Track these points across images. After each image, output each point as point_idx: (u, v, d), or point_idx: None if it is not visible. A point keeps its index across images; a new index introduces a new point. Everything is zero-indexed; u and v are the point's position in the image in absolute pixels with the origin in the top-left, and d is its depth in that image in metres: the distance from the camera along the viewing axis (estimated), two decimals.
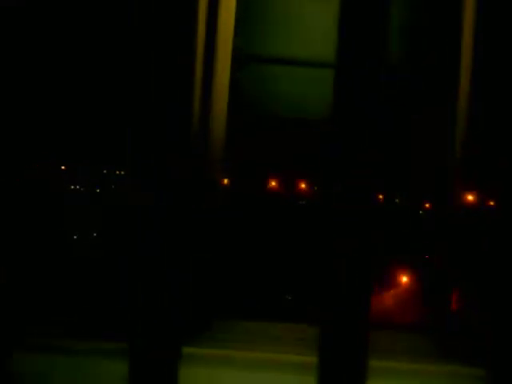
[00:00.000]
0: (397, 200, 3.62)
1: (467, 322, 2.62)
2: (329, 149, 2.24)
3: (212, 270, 2.45)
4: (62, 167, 3.39)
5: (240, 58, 2.51)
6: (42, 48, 2.65)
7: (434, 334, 2.51)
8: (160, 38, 2.22)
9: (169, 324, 2.13)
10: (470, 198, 3.17)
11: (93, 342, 2.28)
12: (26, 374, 2.30)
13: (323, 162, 2.38)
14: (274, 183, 3.41)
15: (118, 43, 2.67)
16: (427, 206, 3.27)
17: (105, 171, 3.60)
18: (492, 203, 3.34)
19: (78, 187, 3.58)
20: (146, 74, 2.27)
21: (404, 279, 3.58)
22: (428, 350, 2.48)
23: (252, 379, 2.31)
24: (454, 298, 2.65)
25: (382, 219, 2.32)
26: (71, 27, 2.67)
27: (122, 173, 3.48)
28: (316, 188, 3.43)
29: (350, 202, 2.24)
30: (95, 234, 3.45)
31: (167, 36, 2.19)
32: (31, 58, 2.62)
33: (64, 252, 3.17)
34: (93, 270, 2.94)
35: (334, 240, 2.19)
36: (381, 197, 3.48)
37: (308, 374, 2.25)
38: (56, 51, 2.68)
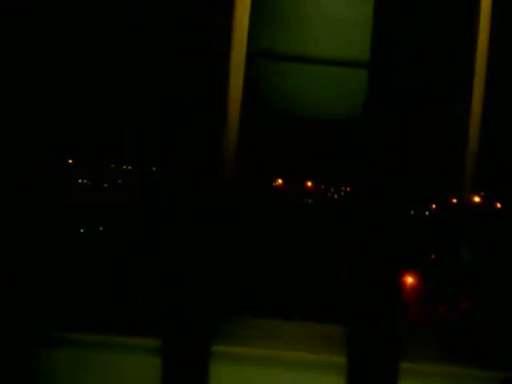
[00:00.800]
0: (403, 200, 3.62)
1: (472, 322, 2.62)
2: (339, 150, 2.24)
3: (225, 269, 2.45)
4: (70, 161, 3.38)
5: (254, 56, 2.50)
6: (45, 47, 2.65)
7: (439, 335, 2.51)
8: (161, 37, 2.23)
9: (200, 322, 2.14)
10: (477, 199, 3.17)
11: (123, 338, 2.29)
12: (57, 368, 2.31)
13: (332, 162, 2.38)
14: (282, 181, 3.41)
15: (120, 42, 2.67)
16: (433, 206, 3.27)
17: (113, 165, 3.60)
18: (498, 205, 3.34)
19: (84, 181, 3.58)
20: (148, 74, 2.27)
21: (409, 280, 3.58)
22: (432, 352, 2.47)
23: (270, 376, 2.31)
24: (458, 298, 2.65)
25: (386, 219, 2.31)
26: (73, 26, 2.66)
27: (130, 167, 3.48)
28: (323, 187, 3.43)
29: (358, 201, 2.24)
30: (102, 230, 3.44)
31: (170, 35, 2.20)
32: (36, 58, 2.62)
33: (69, 250, 3.16)
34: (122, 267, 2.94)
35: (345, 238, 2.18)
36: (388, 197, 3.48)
37: (326, 373, 2.26)
38: (59, 50, 2.67)
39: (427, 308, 3.26)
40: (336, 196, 3.38)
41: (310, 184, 3.47)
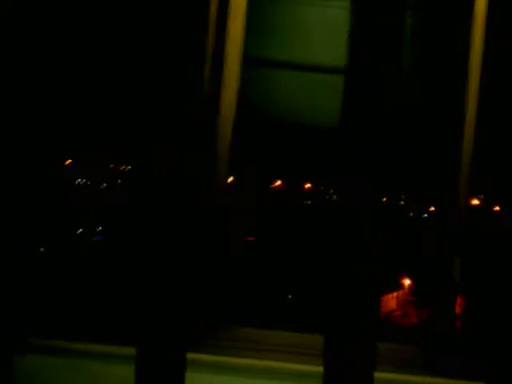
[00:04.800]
0: (402, 202, 3.62)
1: (467, 333, 2.62)
2: (336, 153, 2.24)
3: (217, 275, 2.45)
4: (67, 161, 3.40)
5: (249, 63, 2.52)
6: (49, 50, 2.65)
7: (432, 345, 2.50)
8: (159, 40, 2.24)
9: (175, 330, 2.14)
10: (476, 201, 3.16)
11: (102, 345, 2.29)
12: (33, 375, 2.32)
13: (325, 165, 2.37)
14: (279, 185, 3.42)
15: (123, 43, 2.69)
16: (432, 208, 3.27)
17: (111, 165, 3.61)
18: (498, 208, 3.33)
19: (83, 181, 3.59)
20: (152, 76, 2.28)
21: (406, 282, 3.58)
22: (422, 362, 2.46)
23: None
24: (456, 304, 2.64)
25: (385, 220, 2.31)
26: (76, 27, 2.67)
27: (129, 168, 3.49)
28: (322, 189, 3.42)
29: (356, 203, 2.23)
30: (102, 234, 3.45)
31: (168, 39, 2.21)
32: (44, 58, 2.63)
33: (70, 252, 3.17)
34: (101, 271, 2.94)
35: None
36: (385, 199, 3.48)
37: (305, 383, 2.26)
38: (64, 51, 2.69)
39: (415, 314, 3.26)
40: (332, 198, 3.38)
41: (308, 187, 3.48)
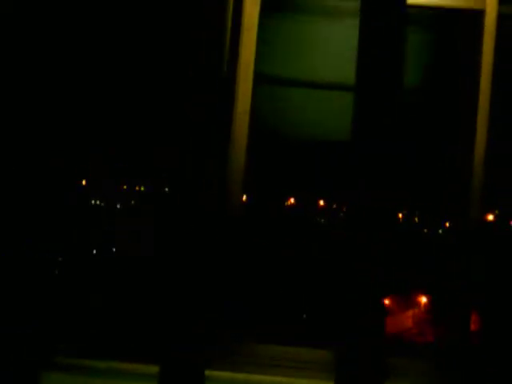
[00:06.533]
0: (416, 219, 3.61)
1: (482, 347, 2.60)
2: (347, 169, 2.24)
3: (232, 291, 2.45)
4: (83, 182, 3.41)
5: (261, 81, 2.55)
6: (53, 48, 2.63)
7: (447, 360, 2.48)
8: (171, 55, 2.26)
9: (195, 347, 2.15)
10: (491, 217, 3.15)
11: (124, 363, 2.30)
12: None
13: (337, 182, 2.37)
14: (292, 203, 3.42)
15: (133, 60, 2.69)
16: (447, 224, 3.25)
17: (125, 187, 3.62)
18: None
19: (98, 202, 3.60)
20: (157, 93, 2.30)
21: (422, 300, 3.56)
22: (438, 376, 2.45)
23: None
24: (470, 320, 2.62)
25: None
26: (77, 26, 2.66)
27: (142, 189, 3.50)
28: (334, 206, 3.42)
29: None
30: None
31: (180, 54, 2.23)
32: (46, 59, 2.61)
33: (90, 269, 3.17)
34: (124, 290, 2.94)
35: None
36: (400, 215, 3.47)
37: None
38: (66, 51, 2.66)
39: (431, 332, 3.23)
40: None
41: (321, 205, 3.48)
